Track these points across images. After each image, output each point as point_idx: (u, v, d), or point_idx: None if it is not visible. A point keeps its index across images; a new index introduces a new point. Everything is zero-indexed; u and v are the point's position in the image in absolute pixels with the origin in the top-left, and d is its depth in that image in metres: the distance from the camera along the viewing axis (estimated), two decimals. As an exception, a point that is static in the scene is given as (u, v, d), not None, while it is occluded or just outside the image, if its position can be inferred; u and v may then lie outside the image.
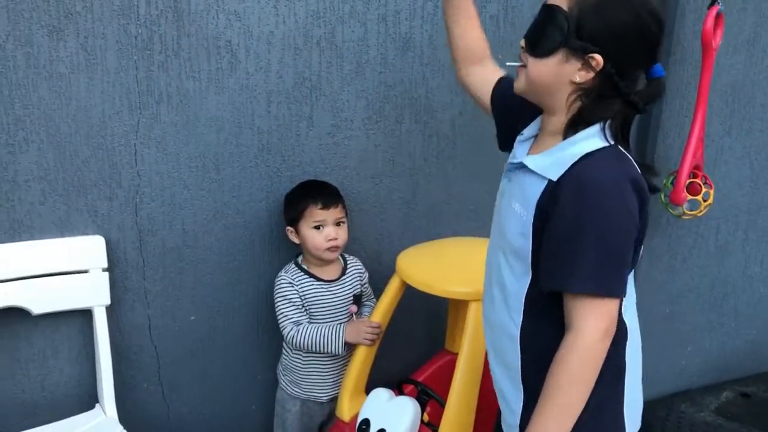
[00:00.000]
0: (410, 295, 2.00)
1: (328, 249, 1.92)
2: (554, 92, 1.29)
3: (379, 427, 1.78)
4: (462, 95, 2.16)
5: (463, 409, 1.77)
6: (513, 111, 1.48)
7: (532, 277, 1.31)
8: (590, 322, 1.21)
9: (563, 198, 1.22)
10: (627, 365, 1.36)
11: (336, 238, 1.92)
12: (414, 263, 1.91)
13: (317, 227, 1.92)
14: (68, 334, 1.88)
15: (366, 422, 1.81)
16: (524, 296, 1.33)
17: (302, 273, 1.97)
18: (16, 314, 1.78)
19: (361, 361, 1.94)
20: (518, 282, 1.33)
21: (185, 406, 2.08)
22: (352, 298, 2.03)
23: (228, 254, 2.01)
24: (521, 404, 1.37)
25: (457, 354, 2.18)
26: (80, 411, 1.89)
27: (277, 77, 1.93)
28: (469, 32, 1.60)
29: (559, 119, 1.31)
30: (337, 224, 1.94)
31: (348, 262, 2.05)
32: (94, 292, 1.84)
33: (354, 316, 2.02)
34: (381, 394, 1.85)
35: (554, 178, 1.25)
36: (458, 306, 2.12)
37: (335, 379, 2.03)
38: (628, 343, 1.35)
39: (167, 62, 1.80)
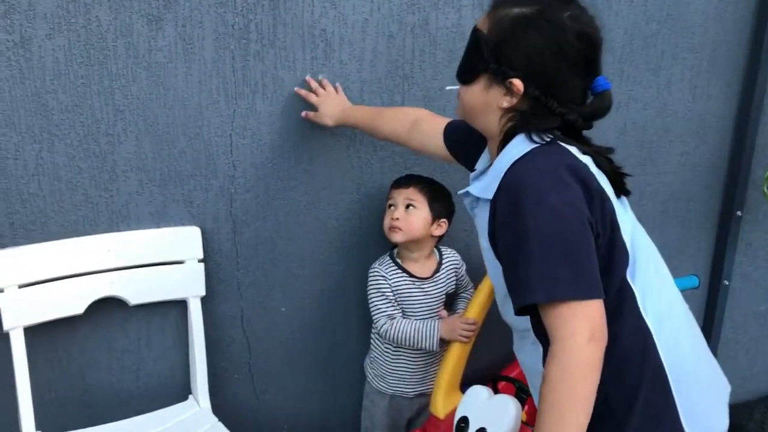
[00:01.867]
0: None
1: (390, 229, 1.88)
2: (487, 117, 1.25)
3: (479, 426, 1.72)
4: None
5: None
6: (470, 142, 1.45)
7: None
8: (566, 330, 1.08)
9: (499, 212, 1.16)
10: (670, 371, 1.21)
11: (397, 219, 1.86)
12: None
13: (391, 207, 1.89)
14: (162, 325, 1.89)
15: (464, 420, 1.75)
16: (532, 329, 1.25)
17: (396, 268, 1.92)
18: (112, 304, 1.79)
19: (456, 357, 1.89)
20: (519, 318, 1.24)
21: (275, 398, 2.07)
22: (445, 297, 1.98)
23: (319, 246, 1.98)
24: None
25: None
26: (174, 402, 1.89)
27: (370, 66, 1.89)
28: (387, 126, 1.73)
29: (495, 142, 1.26)
30: (407, 206, 1.87)
31: (443, 255, 1.99)
32: (189, 283, 1.83)
33: (446, 313, 1.97)
34: (479, 391, 1.79)
35: (491, 197, 1.19)
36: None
37: (423, 375, 1.99)
38: (660, 348, 1.21)
39: (263, 51, 1.78)
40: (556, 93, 1.19)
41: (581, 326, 1.07)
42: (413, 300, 1.92)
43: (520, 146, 1.20)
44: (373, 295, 1.91)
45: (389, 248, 1.97)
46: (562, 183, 1.12)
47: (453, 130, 1.61)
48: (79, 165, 1.70)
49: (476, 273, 1.96)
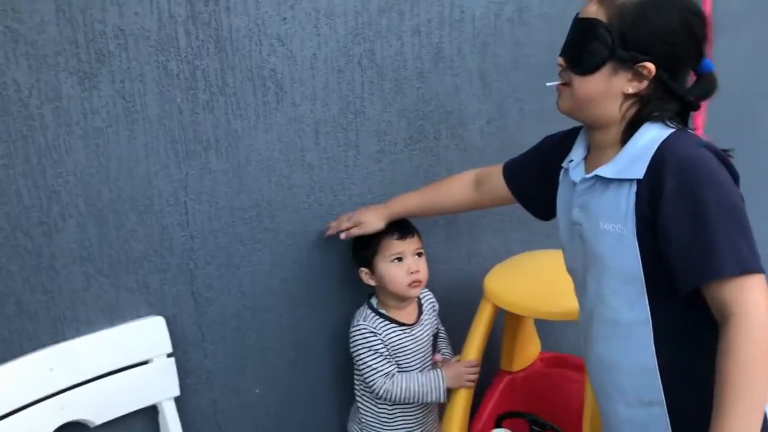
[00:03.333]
0: (458, 320, 1.89)
1: (410, 285, 1.73)
2: (606, 105, 1.23)
3: (513, 470, 1.64)
4: (488, 103, 2.07)
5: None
6: (536, 178, 1.49)
7: (649, 296, 1.20)
8: (751, 299, 1.08)
9: (667, 186, 1.13)
10: None
11: (418, 271, 1.73)
12: (507, 286, 1.77)
13: (396, 260, 1.72)
14: (127, 441, 1.56)
15: (494, 468, 1.65)
16: (650, 320, 1.21)
17: (382, 319, 1.76)
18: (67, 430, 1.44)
19: (463, 403, 1.77)
20: (635, 309, 1.22)
21: (258, 492, 1.80)
22: (432, 339, 1.86)
23: (288, 311, 1.76)
24: None
25: (516, 373, 2.10)
26: None
27: (323, 105, 1.71)
28: (449, 199, 1.71)
29: (613, 130, 1.25)
30: (417, 255, 1.75)
31: (422, 296, 1.86)
32: (160, 384, 1.54)
33: (438, 365, 1.84)
34: (502, 434, 1.70)
35: (640, 176, 1.17)
36: (515, 324, 2.02)
37: (422, 429, 1.84)
38: None
39: (213, 101, 1.54)
40: (680, 75, 1.20)
41: (761, 298, 1.08)
42: (406, 349, 1.77)
43: (659, 129, 1.19)
44: (364, 355, 1.73)
45: (365, 299, 1.80)
46: (718, 162, 1.14)
47: (511, 174, 1.59)
48: (8, 268, 1.35)
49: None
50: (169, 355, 1.54)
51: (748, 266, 1.08)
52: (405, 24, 1.82)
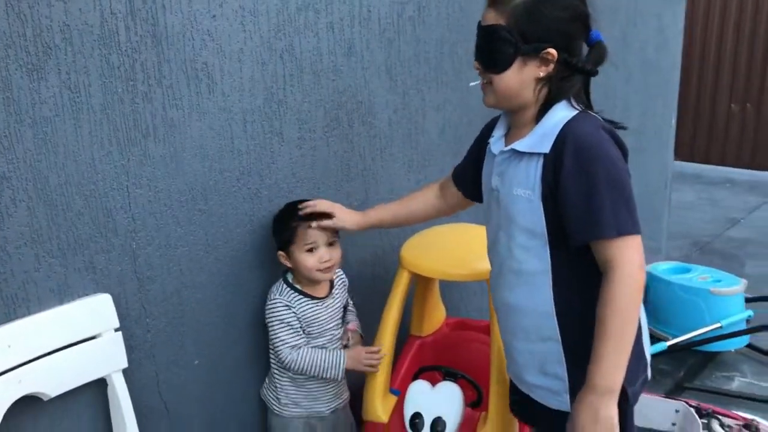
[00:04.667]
0: (375, 291, 2.06)
1: (321, 270, 1.88)
2: (524, 93, 1.46)
3: (434, 417, 1.85)
4: (394, 94, 2.28)
5: (505, 380, 1.89)
6: (473, 162, 1.71)
7: (550, 249, 1.45)
8: (627, 257, 1.36)
9: (566, 162, 1.38)
10: (642, 316, 1.53)
11: (329, 259, 1.88)
12: (421, 254, 1.99)
13: (310, 249, 1.87)
14: (77, 413, 1.65)
15: (418, 415, 1.86)
16: (550, 270, 1.47)
17: (296, 293, 1.91)
18: (22, 405, 1.52)
19: (384, 364, 1.97)
20: (538, 258, 1.47)
21: (198, 459, 1.93)
22: (342, 310, 2.04)
23: (221, 288, 1.90)
24: (566, 371, 1.50)
25: (425, 337, 2.32)
26: (104, 495, 1.67)
27: (250, 95, 1.86)
28: (421, 208, 1.88)
29: (530, 111, 1.49)
30: (330, 244, 1.90)
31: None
32: (109, 357, 1.63)
33: (349, 334, 2.02)
34: (420, 386, 1.91)
35: (546, 151, 1.42)
36: (424, 292, 2.24)
37: (336, 389, 2.01)
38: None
39: (150, 92, 1.65)
40: (576, 51, 1.43)
41: (638, 255, 1.37)
42: (318, 321, 1.93)
43: (565, 111, 1.43)
44: (276, 327, 1.88)
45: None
46: (611, 141, 1.39)
47: (457, 174, 1.79)
48: (-38, 250, 1.41)
49: (351, 280, 2.03)
50: (116, 330, 1.64)
51: (626, 230, 1.36)
52: (321, 21, 2.00)
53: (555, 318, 1.48)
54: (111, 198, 1.62)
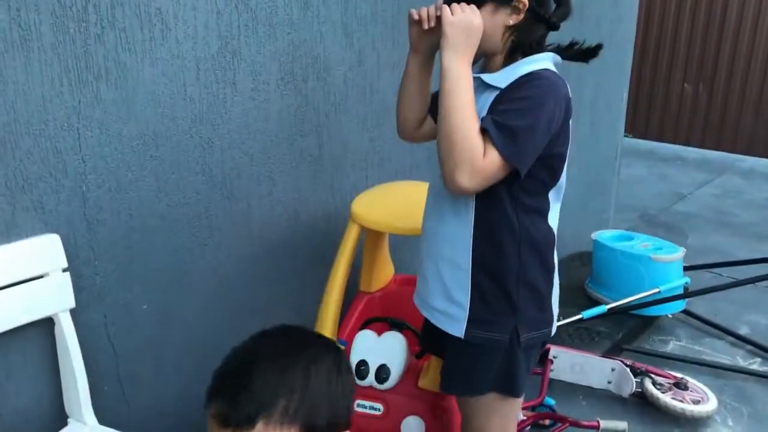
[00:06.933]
0: (324, 245, 2.08)
1: None
2: (493, 39, 1.51)
3: (379, 364, 1.91)
4: (350, 51, 2.31)
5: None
6: None
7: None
8: (493, 166, 1.41)
9: (510, 92, 1.46)
10: (554, 267, 1.63)
11: None
12: (372, 208, 2.03)
13: None
14: (23, 351, 1.67)
15: (363, 363, 1.92)
16: (473, 203, 1.53)
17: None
18: (-33, 340, 1.54)
19: (331, 316, 2.03)
20: (463, 196, 1.52)
21: (145, 402, 1.96)
22: None
23: (172, 234, 1.92)
24: (468, 300, 1.57)
25: (373, 293, 2.38)
26: (52, 432, 1.70)
27: (204, 43, 1.87)
28: (419, 113, 1.74)
29: (497, 59, 1.55)
30: None
31: None
32: (56, 297, 1.65)
33: None
34: (366, 335, 1.97)
35: (503, 86, 1.49)
36: (373, 249, 2.29)
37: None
38: (555, 248, 1.63)
39: (103, 34, 1.65)
40: (544, 3, 1.49)
41: (497, 175, 1.44)
42: None
43: (542, 62, 1.50)
44: None
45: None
46: (561, 96, 1.46)
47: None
48: None
49: (301, 235, 2.06)
50: (64, 270, 1.66)
51: (510, 156, 1.40)
52: (277, -26, 2.01)
53: (470, 250, 1.55)
54: (61, 139, 1.63)
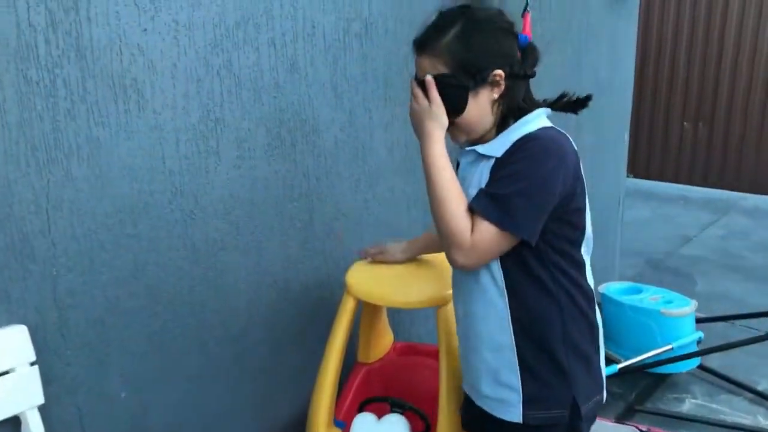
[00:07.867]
0: (319, 314, 1.97)
1: None
2: (485, 118, 1.47)
3: (378, 450, 1.77)
4: (340, 112, 2.21)
5: (453, 410, 1.82)
6: None
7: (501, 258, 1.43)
8: (484, 242, 1.36)
9: (507, 159, 1.40)
10: (598, 325, 1.56)
11: None
12: (368, 280, 1.91)
13: None
14: (-12, 454, 1.53)
15: (361, 449, 1.78)
16: (502, 276, 1.45)
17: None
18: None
19: (328, 392, 1.89)
20: (490, 265, 1.45)
21: (125, 498, 1.81)
22: None
23: (152, 315, 1.80)
24: (519, 380, 1.48)
25: (372, 363, 2.24)
26: None
27: (183, 113, 1.77)
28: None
29: (492, 130, 1.49)
30: None
31: None
32: (23, 393, 1.52)
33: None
34: (366, 418, 1.84)
35: (499, 155, 1.42)
36: (371, 317, 2.16)
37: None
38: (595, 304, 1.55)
39: (74, 109, 1.55)
40: (514, 62, 1.43)
41: (489, 246, 1.38)
42: None
43: (536, 120, 1.44)
44: None
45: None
46: (566, 149, 1.40)
47: None
48: None
49: (293, 305, 1.94)
50: (32, 364, 1.53)
51: (495, 218, 1.35)
52: (261, 37, 1.92)
53: (510, 325, 1.47)
54: (28, 222, 1.52)
